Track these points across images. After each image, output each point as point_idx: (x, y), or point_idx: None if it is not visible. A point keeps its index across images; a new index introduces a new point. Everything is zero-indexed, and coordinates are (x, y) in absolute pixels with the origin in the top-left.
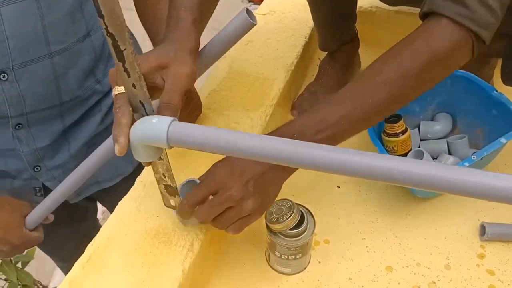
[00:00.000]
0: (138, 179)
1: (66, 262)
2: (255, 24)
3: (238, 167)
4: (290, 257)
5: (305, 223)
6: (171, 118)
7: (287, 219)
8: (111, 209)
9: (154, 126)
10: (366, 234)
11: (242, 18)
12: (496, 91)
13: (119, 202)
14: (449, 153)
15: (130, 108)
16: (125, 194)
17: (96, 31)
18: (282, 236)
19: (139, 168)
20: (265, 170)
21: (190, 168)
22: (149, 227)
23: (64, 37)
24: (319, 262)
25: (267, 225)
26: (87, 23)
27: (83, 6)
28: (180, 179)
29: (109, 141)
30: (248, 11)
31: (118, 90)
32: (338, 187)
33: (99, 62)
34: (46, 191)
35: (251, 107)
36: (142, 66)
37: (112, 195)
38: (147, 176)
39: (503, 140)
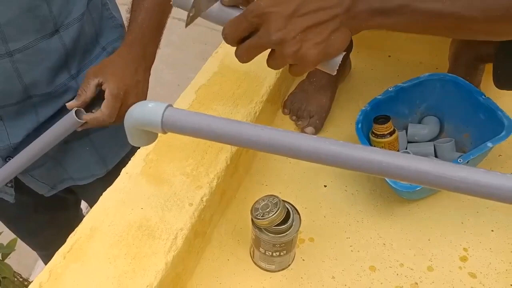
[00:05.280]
0: (124, 170)
1: (44, 250)
2: (83, 122)
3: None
4: (274, 254)
5: (290, 220)
6: (166, 104)
7: (273, 215)
8: (90, 203)
9: (150, 111)
10: (351, 234)
11: (70, 118)
12: (484, 96)
13: (103, 193)
14: (436, 156)
15: None
16: (102, 192)
17: (67, 27)
18: (267, 232)
19: (113, 171)
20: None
21: (178, 160)
22: (133, 219)
23: (24, 35)
24: (303, 260)
25: (252, 221)
26: (55, 20)
27: (50, 2)
28: (167, 172)
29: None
30: (77, 112)
31: None
32: (325, 186)
33: (71, 58)
34: (17, 182)
35: (241, 103)
36: None
37: (89, 191)
38: (133, 167)
39: (489, 144)
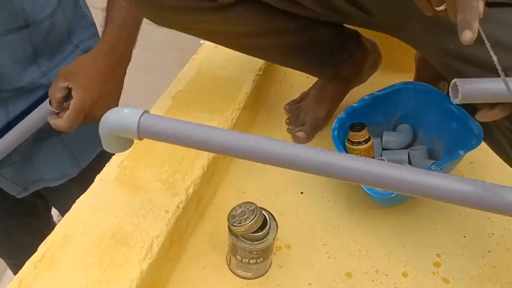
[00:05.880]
0: (98, 177)
1: (13, 258)
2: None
3: None
4: (251, 261)
5: (267, 227)
6: (142, 110)
7: (249, 222)
8: (60, 209)
9: (126, 117)
10: (327, 240)
11: (44, 107)
12: (457, 104)
13: (77, 200)
14: (410, 164)
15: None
16: (75, 195)
17: (38, 24)
18: (244, 239)
19: (86, 171)
20: None
21: (153, 167)
22: (107, 227)
23: None
24: (280, 267)
25: (229, 228)
26: (26, 15)
27: None
28: (142, 178)
29: (40, 108)
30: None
31: None
32: (302, 192)
33: (41, 55)
34: None
35: (218, 109)
36: None
37: (60, 195)
38: (107, 174)
39: (461, 152)
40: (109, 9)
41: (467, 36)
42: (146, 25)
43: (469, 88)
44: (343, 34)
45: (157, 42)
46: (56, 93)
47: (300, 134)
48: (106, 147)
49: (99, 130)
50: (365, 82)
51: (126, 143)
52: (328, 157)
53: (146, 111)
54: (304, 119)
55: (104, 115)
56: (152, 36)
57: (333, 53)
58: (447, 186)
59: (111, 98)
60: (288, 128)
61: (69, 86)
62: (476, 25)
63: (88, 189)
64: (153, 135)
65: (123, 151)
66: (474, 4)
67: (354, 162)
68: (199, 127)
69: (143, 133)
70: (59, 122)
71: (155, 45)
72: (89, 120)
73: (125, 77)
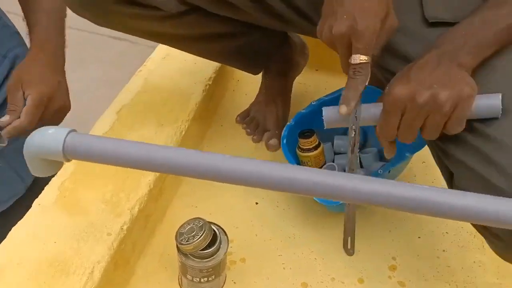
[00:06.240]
0: (36, 201)
1: None
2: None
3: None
4: (202, 280)
5: (217, 242)
6: (68, 129)
7: (197, 239)
8: None
9: (50, 138)
10: (283, 250)
11: None
12: None
13: (13, 228)
14: (361, 166)
15: (367, 81)
16: None
17: None
18: (193, 258)
19: (32, 189)
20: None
21: (96, 187)
22: (45, 255)
23: None
24: (235, 283)
25: (177, 247)
26: None
27: None
28: (83, 200)
29: None
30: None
31: (362, 58)
32: (256, 203)
33: None
34: None
35: (166, 122)
36: None
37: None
38: (46, 198)
39: (407, 154)
40: (31, 13)
41: (343, 110)
42: (106, 38)
43: (329, 115)
44: (272, 31)
45: (117, 55)
46: (20, 106)
47: (273, 141)
48: (33, 172)
49: (24, 154)
50: (301, 71)
51: (54, 166)
52: (275, 170)
53: (73, 130)
54: (265, 125)
55: (28, 137)
56: (112, 49)
57: (263, 50)
58: (381, 191)
59: (63, 91)
60: (253, 138)
61: (24, 92)
62: (353, 104)
63: (25, 216)
64: (80, 155)
65: (51, 174)
66: (360, 88)
67: (302, 173)
68: (130, 145)
69: (69, 154)
70: (17, 123)
71: (115, 58)
72: (45, 116)
73: (87, 91)
